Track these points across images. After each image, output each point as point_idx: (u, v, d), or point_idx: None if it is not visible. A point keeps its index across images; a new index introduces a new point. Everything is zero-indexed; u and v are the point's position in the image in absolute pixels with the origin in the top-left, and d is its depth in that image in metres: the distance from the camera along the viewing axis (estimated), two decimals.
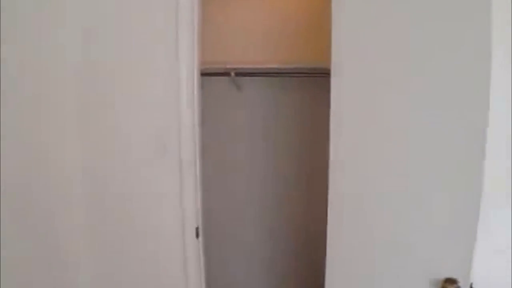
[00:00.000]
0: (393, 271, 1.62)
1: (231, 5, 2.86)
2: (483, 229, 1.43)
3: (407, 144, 1.52)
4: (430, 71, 1.47)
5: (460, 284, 1.44)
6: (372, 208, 1.61)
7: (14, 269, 1.90)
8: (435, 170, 1.49)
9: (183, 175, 1.98)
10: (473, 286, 1.45)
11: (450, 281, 1.46)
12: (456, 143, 1.44)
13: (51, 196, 2.02)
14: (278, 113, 2.96)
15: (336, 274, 1.71)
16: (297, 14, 2.81)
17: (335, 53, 1.59)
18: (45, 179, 2.00)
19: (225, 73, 2.77)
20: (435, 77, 1.45)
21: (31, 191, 1.97)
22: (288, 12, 2.82)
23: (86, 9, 1.93)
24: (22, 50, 1.88)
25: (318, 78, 2.64)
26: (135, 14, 1.91)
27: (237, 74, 2.75)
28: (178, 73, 1.88)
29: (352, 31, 1.55)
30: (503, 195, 1.45)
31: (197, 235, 2.06)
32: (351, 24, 1.55)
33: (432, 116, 1.46)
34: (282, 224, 3.01)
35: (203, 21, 1.96)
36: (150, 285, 2.08)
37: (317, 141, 2.84)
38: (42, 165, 1.99)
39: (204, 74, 2.00)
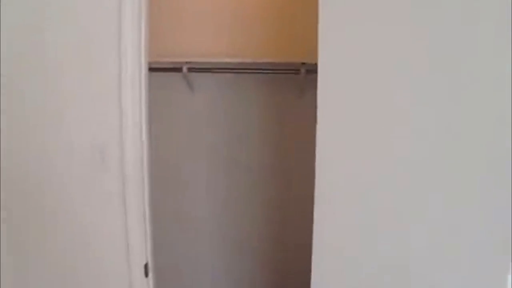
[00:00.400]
0: None
1: None
2: None
3: (410, 149, 1.37)
4: (442, 67, 1.31)
5: None
6: (368, 225, 1.46)
7: None
8: (448, 182, 1.32)
9: (127, 195, 1.73)
10: None
11: None
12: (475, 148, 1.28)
13: None
14: (242, 121, 2.76)
15: None
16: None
17: (322, 44, 1.43)
18: None
19: (175, 69, 2.52)
20: (449, 74, 1.31)
21: None
22: None
23: None
24: None
25: (291, 74, 2.53)
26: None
27: (190, 70, 2.50)
28: (119, 68, 1.66)
29: (344, 17, 1.41)
30: None
31: (146, 274, 1.80)
32: (343, 10, 1.40)
33: (448, 116, 1.31)
34: (254, 239, 2.84)
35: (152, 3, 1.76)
36: None
37: (291, 149, 2.73)
38: None
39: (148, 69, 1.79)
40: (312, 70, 2.37)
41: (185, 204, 2.82)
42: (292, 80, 2.59)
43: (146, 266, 1.79)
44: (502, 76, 1.21)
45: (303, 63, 2.43)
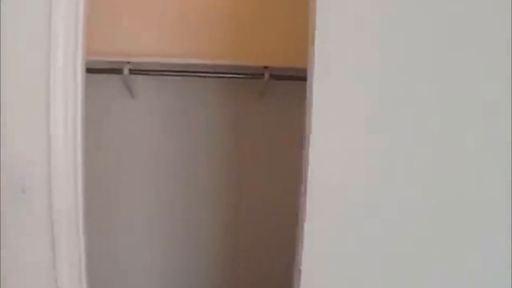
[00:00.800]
0: None
1: None
2: None
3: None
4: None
5: None
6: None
7: None
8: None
9: (57, 236, 1.49)
10: None
11: None
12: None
13: None
14: (190, 131, 2.63)
15: None
16: None
17: (321, 44, 1.34)
18: None
19: (112, 70, 2.34)
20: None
21: None
22: None
23: None
24: None
25: (249, 79, 2.44)
26: None
27: (132, 72, 2.31)
28: (48, 72, 1.45)
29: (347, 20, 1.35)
30: None
31: None
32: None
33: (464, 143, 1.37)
34: (203, 243, 2.77)
35: None
36: None
37: (245, 161, 2.66)
38: None
39: None
40: (276, 75, 2.33)
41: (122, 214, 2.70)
42: (250, 85, 2.50)
43: None
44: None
45: (266, 67, 2.33)
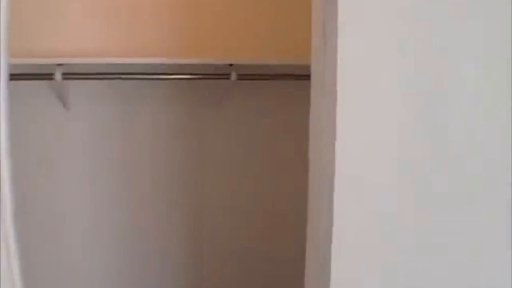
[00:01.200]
0: None
1: None
2: None
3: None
4: None
5: None
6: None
7: None
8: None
9: None
10: None
11: None
12: None
13: None
14: (144, 147, 2.47)
15: None
16: None
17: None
18: None
19: (40, 74, 2.16)
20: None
21: None
22: None
23: None
24: None
25: (217, 80, 2.29)
26: None
27: (66, 76, 2.13)
28: None
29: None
30: None
31: None
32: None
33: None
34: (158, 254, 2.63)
35: None
36: None
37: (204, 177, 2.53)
38: None
39: None
40: (244, 74, 2.17)
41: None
42: (214, 87, 2.33)
43: None
44: None
45: (231, 65, 2.17)
